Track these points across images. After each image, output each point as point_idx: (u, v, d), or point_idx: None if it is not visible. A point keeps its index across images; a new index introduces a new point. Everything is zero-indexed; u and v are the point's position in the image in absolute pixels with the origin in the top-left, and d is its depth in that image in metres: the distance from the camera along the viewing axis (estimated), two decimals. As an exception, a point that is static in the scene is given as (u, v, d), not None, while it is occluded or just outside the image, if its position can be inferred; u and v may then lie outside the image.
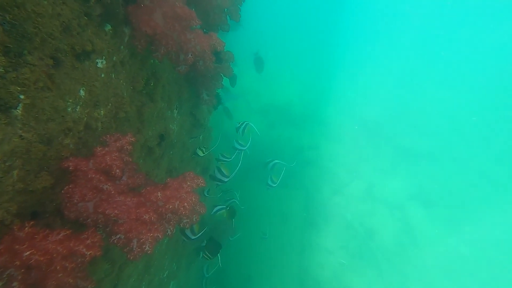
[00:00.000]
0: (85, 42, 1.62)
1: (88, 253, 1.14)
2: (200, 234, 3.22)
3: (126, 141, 1.61)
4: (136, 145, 2.40)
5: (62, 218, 1.50)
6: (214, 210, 4.12)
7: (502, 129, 11.39)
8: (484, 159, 10.48)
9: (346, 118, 10.65)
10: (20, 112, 1.24)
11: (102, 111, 1.87)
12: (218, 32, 3.33)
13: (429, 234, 8.78)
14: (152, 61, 2.55)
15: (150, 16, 1.97)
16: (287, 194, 8.06)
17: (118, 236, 1.44)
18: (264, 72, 9.06)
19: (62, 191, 1.42)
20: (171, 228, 1.76)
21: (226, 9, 3.17)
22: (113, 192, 1.47)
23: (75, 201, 1.42)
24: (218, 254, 3.57)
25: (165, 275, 3.69)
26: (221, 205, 4.20)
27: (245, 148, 4.15)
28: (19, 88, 1.22)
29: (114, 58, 1.97)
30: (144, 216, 1.44)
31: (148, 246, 1.38)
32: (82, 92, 1.65)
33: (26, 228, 1.09)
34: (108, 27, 1.87)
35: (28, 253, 0.97)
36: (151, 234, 1.39)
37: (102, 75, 1.83)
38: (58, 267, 1.04)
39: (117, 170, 1.46)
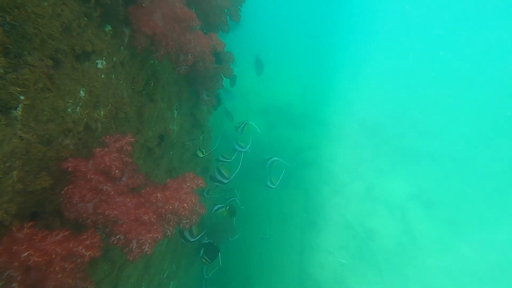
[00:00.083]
0: (85, 43, 1.63)
1: (87, 253, 1.14)
2: (199, 236, 3.22)
3: (125, 142, 1.62)
4: (136, 145, 2.41)
5: (61, 219, 1.50)
6: (215, 209, 4.14)
7: (502, 129, 11.39)
8: (484, 160, 10.48)
9: (346, 118, 10.65)
10: (20, 113, 1.24)
11: (102, 112, 1.87)
12: (218, 32, 3.33)
13: (429, 235, 8.77)
14: (152, 61, 2.55)
15: (150, 17, 1.97)
16: (287, 194, 8.07)
17: (117, 237, 1.44)
18: (263, 75, 9.08)
19: (62, 192, 1.42)
20: (171, 229, 1.76)
21: (226, 10, 3.17)
22: (112, 192, 1.47)
23: (75, 201, 1.42)
24: (219, 254, 3.58)
25: (165, 275, 3.70)
26: (221, 204, 4.22)
27: (245, 149, 4.16)
28: (19, 89, 1.22)
29: (114, 58, 1.97)
30: (144, 217, 1.44)
31: (148, 247, 1.38)
32: (82, 93, 1.65)
33: (25, 229, 1.09)
34: (108, 28, 1.87)
35: (26, 254, 0.97)
36: (151, 235, 1.39)
37: (102, 76, 1.84)
38: (57, 268, 1.04)
39: (117, 171, 1.47)
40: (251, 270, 7.10)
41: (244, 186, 5.97)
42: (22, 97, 1.24)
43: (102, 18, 1.78)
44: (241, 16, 3.30)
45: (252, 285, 7.03)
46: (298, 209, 8.06)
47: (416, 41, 14.53)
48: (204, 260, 3.46)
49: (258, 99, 10.71)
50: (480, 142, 10.95)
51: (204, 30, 2.77)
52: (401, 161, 9.94)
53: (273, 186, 4.90)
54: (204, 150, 3.69)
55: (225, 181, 3.72)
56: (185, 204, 1.57)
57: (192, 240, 3.19)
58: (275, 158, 5.03)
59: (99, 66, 1.80)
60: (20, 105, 1.24)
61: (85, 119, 1.69)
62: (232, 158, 4.04)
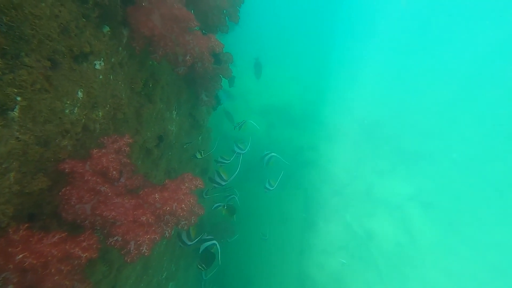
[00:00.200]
0: (83, 44, 1.62)
1: (84, 255, 1.14)
2: (196, 239, 3.21)
3: (123, 143, 1.61)
4: (135, 146, 2.40)
5: (59, 220, 1.50)
6: (214, 206, 4.15)
7: (502, 129, 11.40)
8: (483, 160, 10.49)
9: (345, 118, 10.66)
10: (17, 114, 1.24)
11: (100, 113, 1.86)
12: (217, 33, 3.33)
13: (429, 235, 8.78)
14: (150, 62, 2.55)
15: (148, 18, 1.97)
16: (287, 194, 8.06)
17: (115, 238, 1.43)
18: (262, 77, 9.11)
19: (60, 193, 1.42)
20: (169, 230, 1.76)
21: (225, 11, 3.17)
22: (110, 194, 1.47)
23: (72, 203, 1.42)
24: (219, 253, 3.57)
25: (163, 276, 3.69)
26: (221, 203, 4.23)
27: (245, 151, 4.16)
28: (16, 90, 1.21)
29: (113, 59, 1.97)
30: (142, 218, 1.43)
31: (146, 248, 1.38)
32: (80, 94, 1.65)
33: (21, 230, 1.08)
34: (107, 29, 1.87)
35: (21, 256, 0.97)
36: (148, 236, 1.38)
37: (100, 77, 1.83)
38: (53, 270, 1.04)
39: (114, 172, 1.46)
40: (250, 270, 7.09)
41: (243, 187, 5.96)
42: (19, 98, 1.24)
43: (100, 19, 1.78)
44: (240, 17, 3.30)
45: (252, 285, 7.02)
46: (297, 210, 8.06)
47: (415, 42, 14.55)
48: (200, 267, 3.45)
49: (258, 99, 10.72)
50: (479, 142, 10.96)
51: (203, 31, 2.77)
52: (400, 161, 9.94)
53: (272, 188, 4.90)
54: (203, 151, 3.70)
55: (223, 183, 3.73)
56: (183, 205, 1.57)
57: (189, 243, 3.18)
58: (272, 154, 5.01)
59: (97, 67, 1.80)
60: (17, 106, 1.23)
61: (83, 120, 1.69)
62: (231, 159, 4.04)
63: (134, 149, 2.41)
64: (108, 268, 2.14)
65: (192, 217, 1.85)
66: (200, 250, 3.55)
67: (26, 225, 1.12)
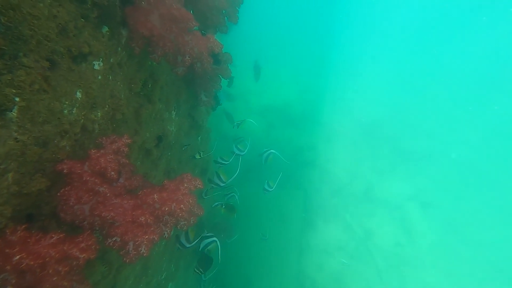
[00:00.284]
0: (81, 44, 1.62)
1: (82, 256, 1.14)
2: (195, 242, 3.20)
3: (122, 143, 1.61)
4: (134, 146, 2.40)
5: (58, 221, 1.49)
6: (214, 204, 4.18)
7: (501, 129, 11.43)
8: (482, 160, 10.51)
9: (345, 119, 10.67)
10: (15, 114, 1.24)
11: (99, 113, 1.86)
12: (216, 33, 3.33)
13: (428, 235, 8.79)
14: (150, 62, 2.55)
15: (147, 18, 1.97)
16: (286, 195, 8.06)
17: (114, 239, 1.43)
18: (261, 79, 9.15)
19: (58, 194, 1.41)
20: (168, 231, 1.75)
21: (224, 11, 3.17)
22: (109, 194, 1.47)
23: (71, 203, 1.41)
24: (219, 250, 3.58)
25: (163, 276, 3.68)
26: (221, 202, 4.25)
27: (244, 153, 4.16)
28: (14, 91, 1.21)
29: (112, 60, 1.97)
30: (140, 219, 1.43)
31: (144, 249, 1.38)
32: (78, 94, 1.64)
33: (19, 231, 1.08)
34: (105, 29, 1.87)
35: (18, 257, 0.96)
36: (147, 237, 1.38)
37: (99, 77, 1.83)
38: (50, 271, 1.04)
39: (112, 173, 1.46)
40: (250, 270, 7.09)
41: (243, 187, 5.96)
42: (17, 99, 1.23)
43: (99, 19, 1.78)
44: (239, 17, 3.30)
45: (251, 285, 7.02)
46: (297, 210, 8.06)
47: (414, 42, 14.57)
48: (197, 271, 3.45)
49: (257, 100, 10.73)
50: (478, 142, 10.98)
51: (202, 31, 2.77)
52: (400, 161, 9.96)
53: (271, 189, 4.90)
54: (202, 153, 3.71)
55: (222, 184, 3.75)
56: (182, 206, 1.57)
57: (188, 245, 3.17)
58: (271, 151, 5.00)
59: (96, 67, 1.79)
60: (15, 107, 1.23)
61: (82, 121, 1.69)
62: (230, 160, 4.05)
63: (133, 150, 2.41)
64: (107, 268, 2.14)
65: (191, 218, 1.85)
66: (200, 247, 3.56)
67: (24, 226, 1.12)
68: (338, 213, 8.50)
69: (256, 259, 7.12)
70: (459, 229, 9.09)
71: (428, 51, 14.37)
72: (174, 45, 2.12)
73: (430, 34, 14.84)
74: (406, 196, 9.36)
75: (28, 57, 1.27)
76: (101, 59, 1.83)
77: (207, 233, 3.86)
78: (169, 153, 3.33)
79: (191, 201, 1.72)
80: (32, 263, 0.98)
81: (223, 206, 4.14)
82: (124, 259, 1.40)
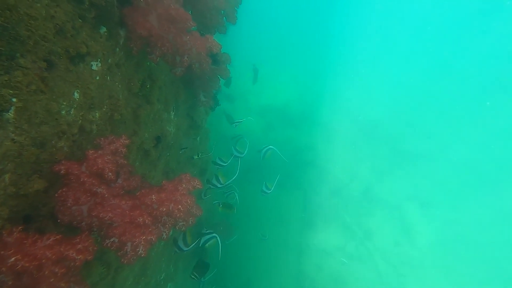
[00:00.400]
0: (79, 45, 1.62)
1: (78, 257, 1.13)
2: (192, 245, 3.19)
3: (120, 144, 1.61)
4: (132, 147, 2.39)
5: (55, 222, 1.49)
6: (215, 202, 4.21)
7: (500, 129, 11.45)
8: (481, 160, 10.53)
9: (344, 119, 10.67)
10: (12, 115, 1.23)
11: (97, 114, 1.86)
12: (215, 34, 3.33)
13: (427, 235, 8.80)
14: (148, 63, 2.55)
15: (145, 18, 1.96)
16: (285, 195, 8.06)
17: (112, 240, 1.43)
18: (259, 80, 9.18)
19: (56, 195, 1.41)
20: (167, 231, 1.75)
21: (222, 11, 3.17)
22: (107, 195, 1.46)
23: (69, 204, 1.41)
24: (219, 246, 3.61)
25: (162, 277, 3.68)
26: (221, 199, 4.28)
27: (243, 155, 4.17)
28: (11, 91, 1.21)
29: (110, 60, 1.96)
30: (138, 219, 1.43)
31: (142, 249, 1.37)
32: (76, 95, 1.64)
33: (15, 233, 1.08)
34: (103, 30, 1.87)
35: (13, 259, 0.96)
36: (145, 237, 1.38)
37: (97, 78, 1.83)
38: (47, 273, 1.03)
39: (110, 173, 1.46)
40: (249, 271, 7.08)
41: (243, 187, 5.96)
42: (14, 100, 1.23)
43: (97, 19, 1.78)
44: (238, 17, 3.30)
45: (251, 285, 7.01)
46: (296, 210, 8.06)
47: (413, 42, 14.60)
48: (193, 277, 3.46)
49: (256, 100, 10.73)
50: (477, 142, 11.00)
51: (201, 32, 2.76)
52: (399, 162, 9.97)
53: (269, 191, 4.90)
54: (200, 154, 3.73)
55: (219, 185, 3.76)
56: (180, 206, 1.56)
57: (185, 249, 3.16)
58: (270, 147, 5.01)
59: (94, 67, 1.79)
60: (12, 108, 1.23)
61: (80, 121, 1.68)
62: (229, 162, 4.05)
63: (132, 150, 2.40)
64: (105, 269, 2.14)
65: (190, 218, 1.85)
66: (201, 243, 3.59)
67: (21, 227, 1.12)
68: (337, 213, 8.51)
69: (256, 259, 7.12)
70: (458, 229, 9.10)
71: (427, 51, 14.40)
72: (173, 46, 2.11)
73: (429, 34, 14.86)
74: (405, 196, 9.37)
75: (25, 57, 1.27)
76: (99, 60, 1.82)
77: (207, 231, 3.89)
78: (168, 154, 3.33)
79: (189, 202, 1.71)
80: (27, 264, 0.98)
81: (221, 205, 4.17)
82: (122, 260, 1.40)
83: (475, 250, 8.72)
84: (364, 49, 13.87)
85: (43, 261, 1.02)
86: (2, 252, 0.96)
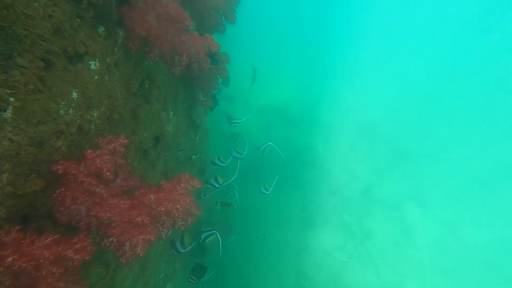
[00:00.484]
0: (77, 44, 1.61)
1: (76, 257, 1.13)
2: (189, 247, 3.19)
3: (118, 143, 1.60)
4: (131, 147, 2.39)
5: (54, 222, 1.49)
6: (214, 200, 4.24)
7: (499, 129, 11.48)
8: (480, 160, 10.55)
9: (343, 119, 10.68)
10: (10, 114, 1.23)
11: (95, 113, 1.85)
12: (213, 33, 3.33)
13: (426, 234, 8.82)
14: (147, 62, 2.54)
15: (144, 18, 1.96)
16: (285, 195, 8.06)
17: (110, 239, 1.42)
18: (259, 80, 9.19)
19: (54, 195, 1.41)
20: (166, 231, 1.75)
21: (221, 11, 3.16)
22: (105, 195, 1.46)
23: (67, 204, 1.41)
24: (220, 243, 3.64)
25: (161, 277, 3.68)
26: (222, 197, 4.31)
27: (243, 156, 4.19)
28: (8, 91, 1.20)
29: (108, 60, 1.96)
30: (137, 219, 1.43)
31: (140, 249, 1.37)
32: (74, 94, 1.64)
33: (13, 233, 1.07)
34: (102, 29, 1.86)
35: (10, 259, 0.96)
36: (143, 237, 1.38)
37: (96, 77, 1.82)
38: (44, 272, 1.03)
39: (108, 173, 1.45)
40: (249, 270, 7.08)
41: (242, 188, 5.96)
42: (12, 99, 1.23)
43: (95, 19, 1.77)
44: (237, 17, 3.30)
45: (250, 285, 7.02)
46: (295, 210, 8.06)
47: (412, 42, 14.61)
48: (191, 280, 3.47)
49: (256, 100, 10.72)
50: (476, 142, 11.02)
51: (200, 31, 2.76)
52: (397, 161, 9.98)
53: (267, 192, 4.91)
54: (198, 154, 3.75)
55: (217, 186, 3.78)
56: (178, 206, 1.56)
57: (182, 251, 3.16)
58: (269, 143, 5.02)
59: (92, 67, 1.79)
60: (10, 107, 1.22)
61: (78, 121, 1.68)
62: (227, 162, 4.06)
63: (131, 150, 2.40)
64: (104, 269, 2.13)
65: (189, 218, 1.85)
66: (201, 239, 3.61)
67: (18, 227, 1.12)
68: (337, 213, 8.51)
69: (255, 259, 7.12)
70: (457, 228, 9.12)
71: (427, 50, 14.41)
72: (171, 45, 2.11)
73: (429, 34, 14.88)
74: (405, 195, 9.38)
75: (23, 57, 1.27)
76: (97, 59, 1.82)
77: (207, 229, 3.92)
78: (167, 154, 3.32)
79: (188, 201, 1.71)
80: (25, 264, 0.98)
81: (219, 204, 4.19)
82: (121, 259, 1.40)
83: (474, 249, 8.74)
84: (363, 49, 13.88)
85: (41, 261, 1.02)
86: (0, 252, 0.95)
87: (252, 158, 6.14)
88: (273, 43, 13.39)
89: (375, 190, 9.22)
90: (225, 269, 6.53)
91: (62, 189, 1.42)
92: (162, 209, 1.53)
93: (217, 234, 3.60)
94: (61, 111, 1.53)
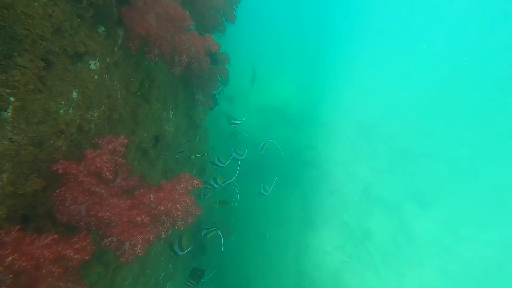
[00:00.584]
0: (77, 44, 1.61)
1: (76, 257, 1.13)
2: (188, 249, 3.19)
3: (118, 143, 1.61)
4: (131, 146, 2.39)
5: (54, 221, 1.49)
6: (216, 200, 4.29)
7: (498, 129, 11.48)
8: (479, 159, 10.56)
9: (343, 118, 10.69)
10: (10, 114, 1.23)
11: (95, 113, 1.86)
12: (213, 33, 3.33)
13: (426, 234, 8.82)
14: (146, 62, 2.54)
15: (143, 17, 1.96)
16: (285, 195, 8.06)
17: (110, 239, 1.43)
18: (258, 81, 9.21)
19: (54, 194, 1.41)
20: (166, 231, 1.75)
21: (221, 10, 3.16)
22: (105, 194, 1.46)
23: (67, 204, 1.41)
24: (221, 240, 3.67)
25: (161, 276, 3.68)
26: (223, 194, 4.35)
27: (243, 157, 4.20)
28: (8, 91, 1.20)
29: (108, 59, 1.96)
30: (136, 218, 1.43)
31: (140, 248, 1.37)
32: (74, 94, 1.64)
33: (13, 232, 1.07)
34: (102, 29, 1.86)
35: (10, 258, 0.96)
36: (142, 236, 1.38)
37: (95, 77, 1.82)
38: (44, 272, 1.03)
39: (108, 173, 1.46)
40: (249, 270, 7.09)
41: (242, 188, 5.98)
42: (12, 99, 1.23)
43: (95, 19, 1.77)
44: (237, 16, 3.30)
45: (250, 285, 7.02)
46: (295, 210, 8.07)
47: (411, 42, 14.62)
48: (189, 284, 3.48)
49: (256, 100, 10.72)
50: (475, 142, 11.03)
51: (200, 31, 2.76)
52: (397, 160, 9.98)
53: (266, 193, 4.92)
54: (198, 154, 3.77)
55: (216, 186, 3.80)
56: (177, 205, 1.57)
57: (180, 253, 3.16)
58: (269, 140, 5.05)
59: (92, 67, 1.79)
60: (10, 107, 1.22)
61: (78, 121, 1.68)
62: (227, 163, 4.07)
63: (130, 150, 2.40)
64: (104, 269, 2.13)
65: (189, 217, 1.85)
66: (202, 234, 3.64)
67: (18, 227, 1.12)
68: (336, 212, 8.52)
69: (255, 259, 7.13)
70: (457, 227, 9.13)
71: (427, 50, 14.42)
72: (171, 45, 2.11)
73: (429, 33, 14.88)
74: (404, 195, 9.39)
75: (23, 56, 1.27)
76: (97, 59, 1.82)
77: (207, 227, 3.96)
78: (167, 153, 3.32)
79: (187, 201, 1.71)
80: (25, 264, 0.98)
81: (217, 204, 4.22)
82: (120, 259, 1.40)
83: (474, 249, 8.75)
84: (363, 49, 13.89)
85: (41, 260, 1.02)
86: (0, 252, 0.96)
87: (252, 158, 6.15)
88: (273, 43, 13.39)
89: (375, 189, 9.22)
90: (225, 269, 6.53)
91: (62, 189, 1.42)
92: (162, 208, 1.53)
93: (218, 231, 3.62)
94: (61, 111, 1.53)
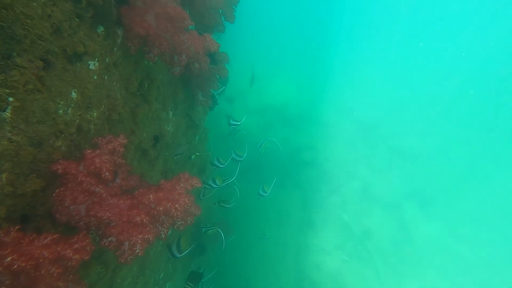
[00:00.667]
0: (76, 44, 1.61)
1: (75, 257, 1.13)
2: (186, 251, 3.17)
3: (118, 143, 1.61)
4: (130, 147, 2.39)
5: (53, 221, 1.49)
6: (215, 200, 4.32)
7: (497, 128, 11.50)
8: (479, 158, 10.57)
9: (342, 118, 10.69)
10: (9, 114, 1.23)
11: (94, 113, 1.86)
12: (213, 33, 3.33)
13: (425, 233, 8.83)
14: (146, 62, 2.54)
15: (143, 17, 1.96)
16: (284, 194, 8.07)
17: (109, 239, 1.43)
18: (257, 81, 9.23)
19: (53, 194, 1.41)
20: (165, 231, 1.75)
21: (221, 10, 3.16)
22: (104, 194, 1.46)
23: (67, 204, 1.41)
24: (222, 238, 3.68)
25: (160, 276, 3.68)
26: (222, 193, 4.38)
27: (243, 158, 4.20)
28: (7, 91, 1.20)
29: (107, 59, 1.96)
30: (136, 218, 1.43)
31: (139, 248, 1.38)
32: (74, 94, 1.64)
33: (12, 232, 1.07)
34: (101, 29, 1.86)
35: (9, 258, 0.96)
36: (142, 236, 1.38)
37: (95, 77, 1.82)
38: (43, 272, 1.03)
39: (107, 173, 1.46)
40: (248, 270, 7.09)
41: (242, 187, 5.97)
42: (11, 99, 1.23)
43: (94, 19, 1.77)
44: (236, 16, 3.30)
45: (250, 285, 7.02)
46: (295, 209, 8.07)
47: (411, 42, 14.63)
48: (187, 286, 3.48)
49: (255, 99, 10.72)
50: (475, 141, 11.04)
51: (199, 31, 2.76)
52: (396, 160, 9.99)
53: (265, 194, 4.92)
54: (197, 154, 3.77)
55: (215, 186, 3.81)
56: (177, 205, 1.57)
57: (178, 255, 3.14)
58: (268, 138, 5.08)
59: (92, 67, 1.79)
60: (9, 107, 1.22)
61: (77, 121, 1.68)
62: (226, 163, 4.07)
63: (130, 150, 2.40)
64: (103, 269, 2.13)
65: (188, 217, 1.85)
66: (203, 231, 3.64)
67: (17, 227, 1.12)
68: (336, 212, 8.52)
69: (255, 259, 7.13)
70: (456, 227, 9.14)
71: (425, 50, 14.43)
72: (170, 45, 2.11)
73: (428, 33, 14.89)
74: (404, 194, 9.40)
75: (22, 57, 1.27)
76: (96, 59, 1.82)
77: (207, 225, 3.97)
78: (166, 153, 3.32)
79: (187, 201, 1.71)
80: (24, 264, 0.98)
81: (216, 204, 4.24)
82: (120, 259, 1.40)
83: (474, 248, 8.76)
84: (362, 49, 13.89)
85: (40, 260, 1.02)
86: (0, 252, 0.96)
87: (252, 158, 6.15)
88: (273, 43, 13.39)
89: (374, 189, 9.23)
90: (224, 269, 6.53)
91: (62, 189, 1.42)
92: (161, 208, 1.53)
93: (219, 229, 3.64)
94: (60, 111, 1.53)
